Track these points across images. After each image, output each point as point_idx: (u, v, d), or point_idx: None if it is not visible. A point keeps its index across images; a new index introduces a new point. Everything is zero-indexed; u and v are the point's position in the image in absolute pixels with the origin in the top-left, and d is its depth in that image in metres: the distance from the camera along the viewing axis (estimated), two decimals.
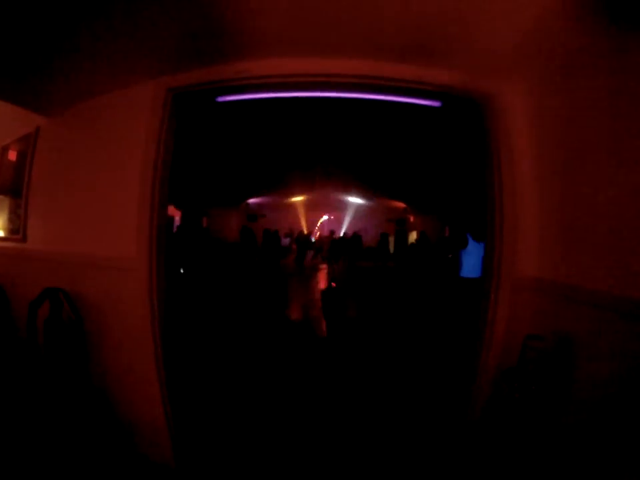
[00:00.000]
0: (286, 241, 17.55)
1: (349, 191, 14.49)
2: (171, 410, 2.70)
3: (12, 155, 3.39)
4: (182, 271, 7.73)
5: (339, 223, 18.61)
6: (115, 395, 2.75)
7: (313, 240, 17.68)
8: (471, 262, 5.34)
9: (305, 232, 17.73)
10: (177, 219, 12.51)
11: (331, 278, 11.58)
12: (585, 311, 1.98)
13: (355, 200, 16.63)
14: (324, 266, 13.83)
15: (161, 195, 2.62)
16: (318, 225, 19.03)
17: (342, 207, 17.69)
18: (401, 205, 16.83)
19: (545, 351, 2.09)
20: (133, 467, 2.60)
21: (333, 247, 12.83)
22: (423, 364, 4.56)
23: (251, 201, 16.70)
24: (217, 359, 4.54)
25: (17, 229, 3.24)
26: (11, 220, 3.39)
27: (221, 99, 2.77)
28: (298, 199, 16.96)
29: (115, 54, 2.33)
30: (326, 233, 17.56)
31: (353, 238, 16.03)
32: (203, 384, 3.69)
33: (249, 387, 3.87)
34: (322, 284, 11.22)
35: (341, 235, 17.47)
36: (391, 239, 18.40)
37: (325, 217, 18.27)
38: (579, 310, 2.03)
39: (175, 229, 11.08)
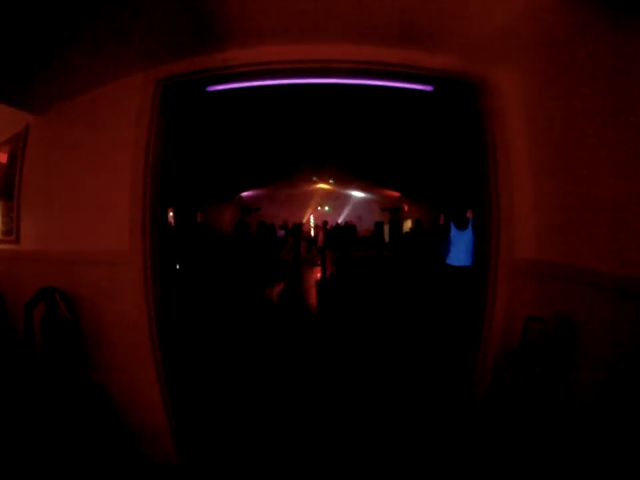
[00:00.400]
0: (281, 233, 17.53)
1: (343, 181, 14.44)
2: (172, 407, 2.70)
3: (2, 157, 3.34)
4: (178, 266, 7.71)
5: (335, 213, 18.59)
6: (114, 393, 2.75)
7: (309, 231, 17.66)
8: (454, 251, 5.36)
9: (301, 223, 17.71)
10: (171, 214, 12.44)
11: (322, 270, 11.47)
12: (585, 291, 1.98)
13: (349, 190, 16.62)
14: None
15: (152, 187, 2.60)
16: (311, 215, 19.01)
17: (336, 197, 17.67)
18: (396, 194, 16.82)
19: (547, 332, 2.10)
20: (134, 466, 2.62)
21: (325, 237, 12.29)
22: (422, 351, 4.58)
23: (245, 194, 16.64)
24: (216, 353, 4.56)
25: (9, 230, 3.21)
26: (4, 223, 3.35)
27: (210, 88, 2.74)
28: (293, 190, 16.93)
29: (102, 46, 2.29)
30: (320, 223, 17.45)
31: (346, 228, 15.95)
32: (202, 379, 3.70)
33: (249, 380, 3.89)
34: (318, 275, 11.28)
35: (336, 224, 17.42)
36: (386, 228, 18.42)
37: (319, 208, 18.23)
38: (578, 290, 2.04)
39: (169, 225, 11.03)
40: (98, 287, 2.72)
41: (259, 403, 3.43)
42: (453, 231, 5.40)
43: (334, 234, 14.95)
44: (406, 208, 17.35)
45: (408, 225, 16.50)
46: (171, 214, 12.12)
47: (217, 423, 3.11)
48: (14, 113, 3.03)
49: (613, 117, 1.82)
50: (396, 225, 17.54)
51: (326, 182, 14.67)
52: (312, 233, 17.06)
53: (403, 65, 2.50)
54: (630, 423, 1.63)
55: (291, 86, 2.78)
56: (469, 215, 5.45)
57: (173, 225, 11.19)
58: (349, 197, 17.63)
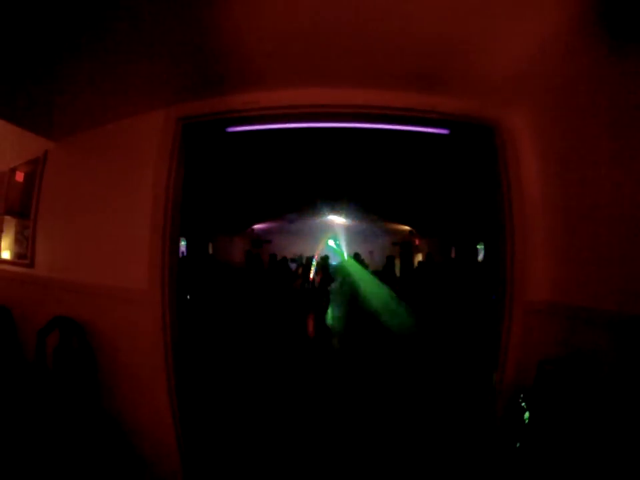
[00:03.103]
0: (293, 266, 17.51)
1: (355, 216, 14.44)
2: (184, 446, 2.66)
3: (19, 176, 3.43)
4: (188, 297, 7.69)
5: (346, 247, 18.55)
6: (128, 425, 2.71)
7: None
8: None
9: (314, 257, 17.66)
10: (183, 244, 12.51)
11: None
12: (599, 331, 2.00)
13: (361, 224, 16.62)
14: None
15: (172, 227, 2.64)
16: (322, 249, 18.96)
17: (348, 231, 17.67)
18: (407, 227, 16.81)
19: (560, 374, 2.08)
20: None
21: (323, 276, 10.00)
22: (436, 387, 4.48)
23: (257, 226, 16.73)
24: (227, 382, 4.50)
25: (24, 253, 3.25)
26: (17, 241, 3.40)
27: (230, 129, 2.81)
28: (304, 224, 17.00)
29: (125, 83, 2.40)
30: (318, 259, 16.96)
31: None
32: (214, 411, 3.63)
33: (259, 407, 3.85)
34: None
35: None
36: (397, 262, 18.31)
37: (331, 242, 18.22)
38: (593, 331, 2.05)
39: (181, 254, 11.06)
40: (115, 321, 2.73)
41: (272, 436, 3.35)
42: None
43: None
44: (417, 242, 17.32)
45: (418, 259, 16.43)
46: (183, 243, 12.22)
47: (229, 461, 3.02)
48: (34, 138, 3.14)
49: (618, 157, 1.86)
50: (407, 259, 17.45)
51: (338, 216, 14.69)
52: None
53: (419, 109, 2.59)
54: None
55: (309, 129, 2.83)
56: None
57: (185, 254, 11.25)
58: (361, 231, 17.61)
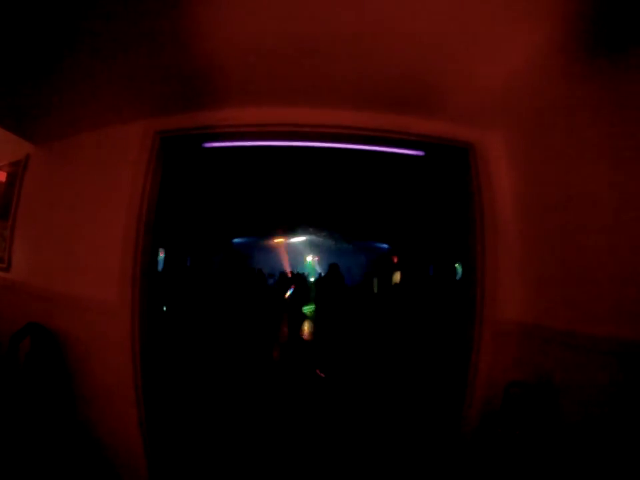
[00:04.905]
0: (270, 282, 17.40)
1: (333, 233, 14.48)
2: (151, 456, 2.63)
3: (2, 176, 3.36)
4: (165, 308, 7.58)
5: (324, 264, 18.54)
6: (99, 434, 2.67)
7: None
8: None
9: (289, 273, 17.61)
10: (162, 255, 12.30)
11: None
12: (566, 352, 2.00)
13: (339, 242, 16.68)
14: None
15: (145, 239, 2.61)
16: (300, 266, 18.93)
17: (326, 249, 17.70)
18: (385, 245, 16.93)
19: (528, 396, 2.09)
20: None
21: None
22: (405, 407, 4.47)
23: (236, 241, 16.66)
24: (197, 393, 4.44)
25: (0, 256, 3.18)
26: None
27: (207, 144, 2.82)
28: (283, 240, 16.97)
29: (105, 93, 2.42)
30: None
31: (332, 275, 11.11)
32: (183, 424, 3.57)
33: (228, 419, 3.80)
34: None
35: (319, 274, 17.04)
36: (375, 280, 18.34)
37: (309, 258, 18.21)
38: (560, 352, 2.05)
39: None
40: (86, 331, 2.68)
41: (239, 448, 3.31)
42: None
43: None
44: (395, 260, 17.42)
45: (397, 277, 16.52)
46: (162, 255, 12.04)
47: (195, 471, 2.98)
48: (16, 140, 3.11)
49: (595, 179, 1.90)
50: (385, 276, 17.51)
51: (316, 234, 14.72)
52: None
53: (393, 131, 2.63)
54: None
55: (285, 147, 2.86)
56: None
57: (163, 266, 11.09)
58: (339, 248, 17.65)
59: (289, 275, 14.71)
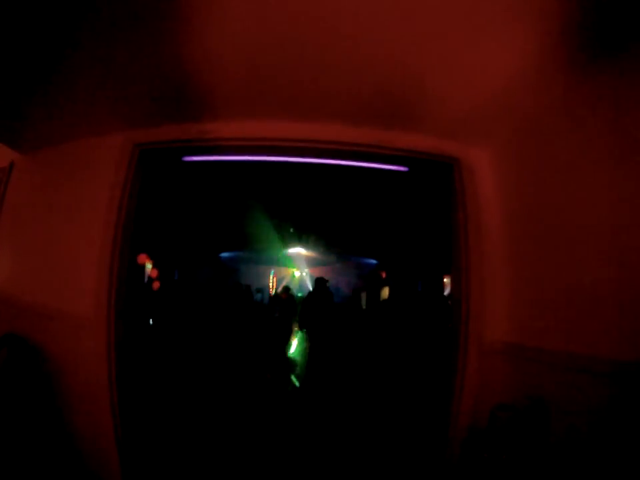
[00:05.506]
0: (258, 297, 17.29)
1: (321, 249, 14.48)
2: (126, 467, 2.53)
3: None
4: (151, 321, 7.46)
5: (312, 279, 18.48)
6: (76, 443, 2.57)
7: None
8: None
9: (278, 288, 17.52)
10: (149, 267, 12.17)
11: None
12: (556, 372, 1.95)
13: (327, 257, 16.67)
14: None
15: (122, 252, 2.56)
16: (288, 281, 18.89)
17: (315, 263, 17.68)
18: (373, 261, 16.96)
19: (514, 418, 2.03)
20: None
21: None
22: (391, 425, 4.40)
23: (224, 254, 16.57)
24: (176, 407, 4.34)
25: None
26: None
27: (187, 158, 2.78)
28: (272, 255, 16.95)
29: (86, 104, 2.39)
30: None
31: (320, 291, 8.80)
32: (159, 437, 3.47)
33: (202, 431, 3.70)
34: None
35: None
36: (363, 295, 18.33)
37: (297, 273, 18.19)
38: (549, 372, 2.00)
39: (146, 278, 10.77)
40: (64, 344, 2.60)
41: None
42: None
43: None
44: (383, 275, 17.42)
45: (385, 292, 16.49)
46: (150, 266, 11.90)
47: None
48: (2, 148, 3.03)
49: (582, 194, 1.87)
50: (373, 292, 17.49)
51: (304, 248, 14.70)
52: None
53: (378, 145, 2.60)
54: None
55: (268, 162, 2.83)
56: None
57: (149, 279, 10.96)
58: (327, 263, 17.65)
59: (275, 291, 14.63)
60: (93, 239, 2.59)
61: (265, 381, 6.48)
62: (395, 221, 7.29)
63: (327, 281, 7.30)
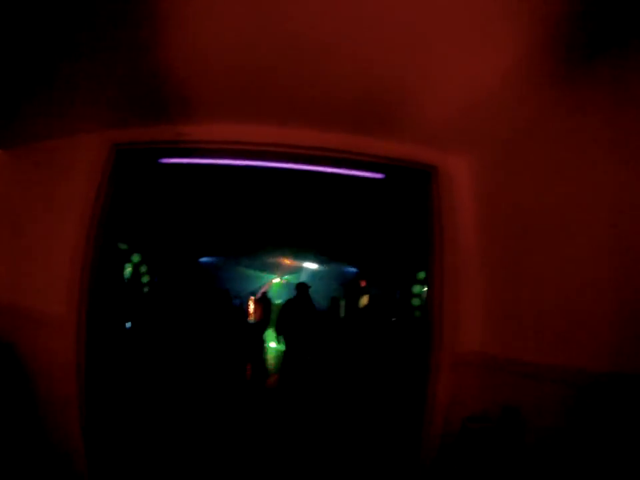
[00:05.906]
0: (236, 302, 17.12)
1: (300, 255, 14.44)
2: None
3: None
4: (129, 325, 7.36)
5: (292, 286, 18.37)
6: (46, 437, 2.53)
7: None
8: None
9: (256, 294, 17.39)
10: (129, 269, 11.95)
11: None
12: (530, 383, 1.97)
13: (306, 264, 16.65)
14: None
15: (95, 252, 2.55)
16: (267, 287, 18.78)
17: (294, 270, 17.63)
18: (353, 269, 16.97)
19: (487, 429, 2.06)
20: None
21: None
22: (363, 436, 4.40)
23: (204, 259, 16.42)
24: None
25: None
26: None
27: (163, 160, 2.78)
28: (252, 261, 16.85)
29: (63, 105, 2.41)
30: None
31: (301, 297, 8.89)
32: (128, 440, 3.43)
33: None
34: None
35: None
36: (342, 303, 18.29)
37: (277, 280, 18.09)
38: (523, 382, 2.02)
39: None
40: (36, 342, 2.58)
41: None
42: None
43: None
44: (363, 283, 17.44)
45: (364, 300, 16.50)
46: (129, 269, 11.69)
47: None
48: None
49: (560, 205, 1.90)
50: (352, 300, 17.48)
51: (283, 255, 14.64)
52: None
53: (354, 152, 2.59)
54: None
55: (245, 167, 2.83)
56: None
57: (130, 280, 10.78)
58: (307, 270, 17.61)
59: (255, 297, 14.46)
60: (67, 237, 2.58)
61: (239, 380, 6.43)
62: (372, 229, 7.31)
63: (309, 286, 7.24)
